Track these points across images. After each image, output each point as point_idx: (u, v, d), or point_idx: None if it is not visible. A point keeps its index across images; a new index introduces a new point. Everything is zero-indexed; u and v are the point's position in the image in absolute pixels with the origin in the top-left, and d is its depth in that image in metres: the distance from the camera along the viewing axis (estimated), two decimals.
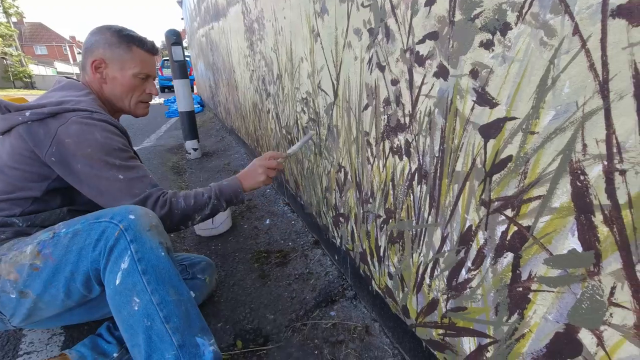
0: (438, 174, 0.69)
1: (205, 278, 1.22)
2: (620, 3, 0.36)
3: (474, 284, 0.65)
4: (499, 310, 0.61)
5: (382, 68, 0.81)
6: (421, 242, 0.79)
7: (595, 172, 0.42)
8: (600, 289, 0.44)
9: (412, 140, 0.75)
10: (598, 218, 0.42)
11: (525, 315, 0.55)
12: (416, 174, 0.76)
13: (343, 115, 1.07)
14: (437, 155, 0.69)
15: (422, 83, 0.69)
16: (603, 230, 0.42)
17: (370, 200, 1.00)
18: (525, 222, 0.52)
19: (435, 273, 0.76)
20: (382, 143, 0.87)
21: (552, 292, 0.50)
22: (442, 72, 0.63)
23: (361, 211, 1.08)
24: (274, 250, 1.61)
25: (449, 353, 0.77)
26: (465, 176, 0.62)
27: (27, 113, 0.85)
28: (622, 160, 0.39)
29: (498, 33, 0.51)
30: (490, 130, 0.55)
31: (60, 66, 40.09)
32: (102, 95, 1.03)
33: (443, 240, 0.72)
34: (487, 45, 0.53)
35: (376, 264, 1.04)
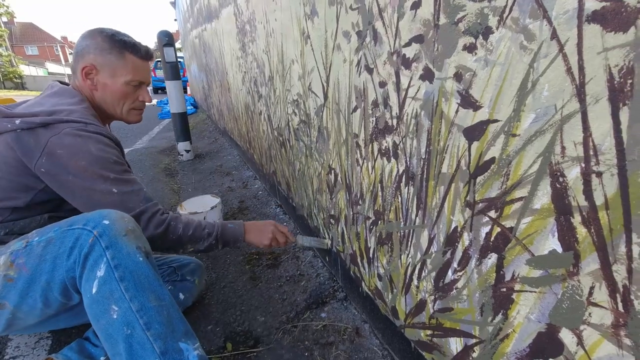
0: (425, 176, 0.70)
1: (195, 280, 1.21)
2: (595, 9, 0.37)
3: (459, 284, 0.66)
4: (484, 310, 0.61)
5: (370, 70, 0.82)
6: (409, 244, 0.80)
7: (573, 174, 0.42)
8: (579, 289, 0.44)
9: (400, 142, 0.76)
10: (577, 219, 0.43)
11: (509, 316, 0.56)
12: (404, 176, 0.77)
13: (333, 117, 1.07)
14: (423, 157, 0.69)
15: (409, 85, 0.69)
16: (581, 231, 0.43)
17: (360, 201, 1.00)
18: (508, 224, 0.53)
19: (423, 274, 0.77)
20: (370, 145, 0.88)
21: (534, 292, 0.51)
22: (427, 75, 0.64)
23: (351, 213, 1.08)
24: (265, 252, 1.60)
25: (436, 354, 0.78)
26: (450, 178, 0.63)
27: (17, 121, 0.82)
28: (598, 162, 0.40)
29: (480, 37, 0.51)
30: (474, 133, 0.56)
31: (52, 67, 39.65)
32: (93, 101, 1.00)
33: (430, 241, 0.72)
34: (470, 48, 0.54)
35: (366, 265, 1.05)
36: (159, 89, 12.98)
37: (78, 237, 0.74)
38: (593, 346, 0.44)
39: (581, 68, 0.39)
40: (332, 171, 1.16)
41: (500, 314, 0.58)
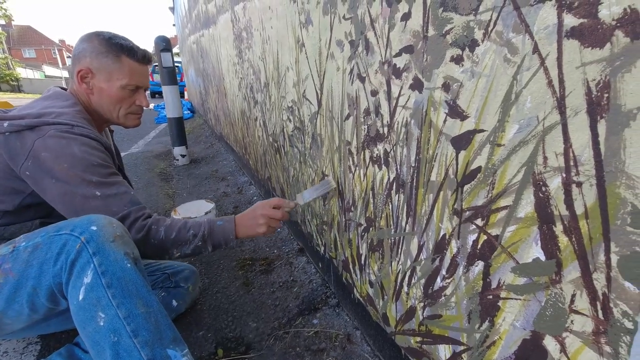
0: (414, 184, 0.71)
1: (189, 286, 1.21)
2: (573, 25, 0.38)
3: (448, 291, 0.67)
4: (472, 317, 0.62)
5: (362, 79, 0.83)
6: (399, 251, 0.80)
7: (555, 184, 0.43)
8: (562, 296, 0.45)
9: (391, 150, 0.77)
10: (559, 228, 0.44)
11: (496, 323, 0.57)
12: (394, 183, 0.78)
13: (326, 124, 1.08)
14: (413, 165, 0.70)
15: (400, 94, 0.71)
16: (563, 240, 0.44)
17: (352, 208, 1.01)
18: (494, 232, 0.54)
19: (413, 281, 0.77)
20: (362, 152, 0.89)
21: (519, 299, 0.52)
22: (417, 85, 0.65)
23: (343, 219, 1.09)
24: (258, 258, 1.60)
25: None
26: (439, 186, 0.64)
27: (5, 124, 0.82)
28: (578, 172, 0.41)
29: (467, 49, 0.53)
30: (461, 142, 0.57)
31: (49, 70, 39.59)
32: (89, 106, 0.99)
33: (420, 248, 0.73)
34: (458, 60, 0.55)
35: (358, 272, 1.05)
36: (156, 94, 12.97)
37: (65, 243, 0.73)
38: (575, 353, 0.45)
39: (561, 81, 0.41)
40: (326, 178, 1.17)
41: (487, 321, 0.58)
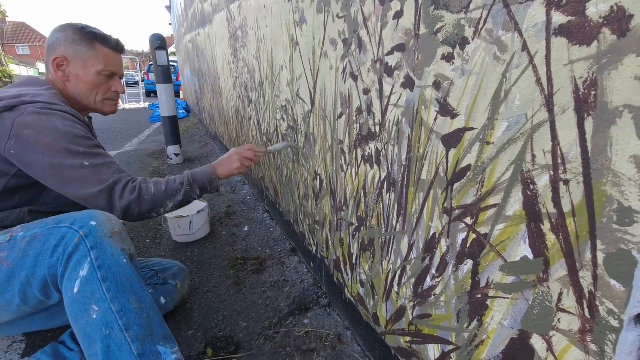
0: (405, 182, 0.71)
1: (177, 284, 1.20)
2: (562, 23, 0.38)
3: (437, 291, 0.67)
4: (460, 317, 0.62)
5: (355, 77, 0.83)
6: (390, 250, 0.80)
7: (543, 182, 0.43)
8: (549, 295, 0.45)
9: (382, 149, 0.77)
10: (546, 226, 0.44)
11: (484, 322, 0.57)
12: (385, 182, 0.77)
13: (319, 124, 1.08)
14: (404, 163, 0.70)
15: (391, 93, 0.71)
16: (551, 238, 0.44)
17: (344, 207, 1.01)
18: (483, 230, 0.54)
19: (403, 280, 0.77)
20: (355, 151, 0.89)
21: (508, 298, 0.51)
22: (408, 83, 0.65)
23: (335, 219, 1.08)
24: (250, 258, 1.59)
25: None
26: (429, 184, 0.64)
27: None
28: (566, 170, 0.41)
29: (457, 47, 0.53)
30: (451, 140, 0.57)
31: (43, 67, 39.21)
32: (66, 93, 1.01)
33: (410, 247, 0.73)
34: (448, 58, 0.55)
35: (349, 271, 1.05)
36: (151, 92, 12.88)
37: (64, 236, 0.75)
38: (562, 352, 0.45)
39: (550, 79, 0.41)
40: (318, 177, 1.16)
41: (476, 320, 0.58)
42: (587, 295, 0.41)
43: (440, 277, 0.65)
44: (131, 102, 10.16)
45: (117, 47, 1.04)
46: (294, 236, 1.58)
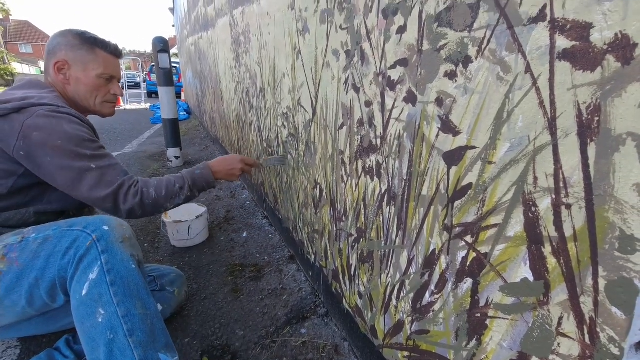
0: (405, 197, 0.70)
1: (174, 290, 1.19)
2: (565, 47, 0.38)
3: (436, 307, 0.66)
4: (459, 335, 0.61)
5: (357, 89, 0.83)
6: (389, 263, 0.80)
7: (545, 205, 0.43)
8: (549, 318, 0.45)
9: (383, 161, 0.76)
10: (547, 249, 0.44)
11: (483, 342, 0.56)
12: (386, 195, 0.77)
13: (320, 133, 1.08)
14: (405, 178, 0.70)
15: (393, 107, 0.70)
16: (552, 262, 0.43)
17: (343, 218, 1.00)
18: (483, 249, 0.53)
19: (402, 295, 0.77)
20: (355, 162, 0.88)
21: (507, 319, 0.51)
22: (410, 98, 0.65)
23: (334, 229, 1.08)
24: (249, 264, 1.59)
25: None
26: (430, 200, 0.64)
27: None
28: (568, 194, 0.40)
29: (460, 65, 0.53)
30: (453, 158, 0.57)
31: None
32: (65, 95, 1.03)
33: (409, 262, 0.72)
34: (451, 75, 0.55)
35: (347, 282, 1.04)
36: (153, 93, 12.90)
37: (76, 239, 0.77)
38: None
39: (552, 102, 0.40)
40: (318, 186, 1.16)
41: (475, 339, 0.58)
42: (588, 321, 0.40)
43: (440, 294, 0.65)
44: (132, 103, 10.17)
45: (115, 52, 1.08)
46: (293, 244, 1.57)
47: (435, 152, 0.60)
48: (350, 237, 0.98)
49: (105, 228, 0.79)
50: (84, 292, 0.74)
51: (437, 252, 0.64)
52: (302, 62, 1.14)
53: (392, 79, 0.70)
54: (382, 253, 0.82)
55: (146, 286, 0.82)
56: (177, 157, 3.25)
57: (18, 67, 28.51)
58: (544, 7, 0.40)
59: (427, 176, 0.63)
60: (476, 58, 0.50)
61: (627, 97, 0.34)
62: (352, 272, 1.00)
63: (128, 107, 9.28)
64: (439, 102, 0.58)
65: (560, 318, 0.43)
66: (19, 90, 0.95)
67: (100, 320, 0.74)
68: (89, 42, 1.00)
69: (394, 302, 0.80)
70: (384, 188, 0.78)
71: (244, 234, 1.88)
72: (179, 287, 1.21)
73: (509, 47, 0.45)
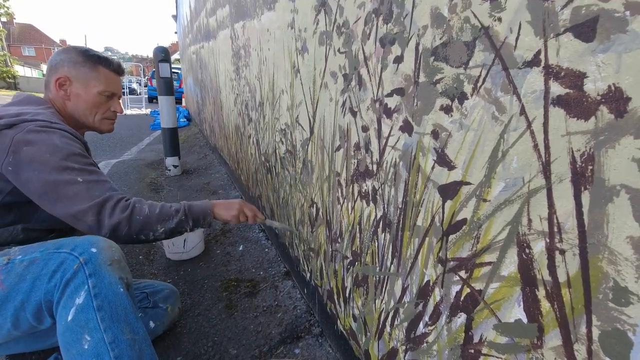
0: (400, 225, 0.70)
1: (168, 307, 1.18)
2: (560, 94, 0.38)
3: (430, 339, 0.65)
4: None
5: (354, 113, 0.83)
6: (384, 289, 0.79)
7: (539, 248, 0.43)
8: None
9: (379, 188, 0.76)
10: (541, 292, 0.43)
11: None
12: (381, 222, 0.77)
13: (317, 152, 1.07)
14: (400, 206, 0.69)
15: (389, 134, 0.70)
16: (545, 305, 0.43)
17: (339, 239, 1.00)
18: (477, 286, 0.53)
19: (396, 322, 0.76)
20: (351, 185, 0.88)
21: (501, 358, 0.50)
22: (407, 127, 0.65)
23: (330, 249, 1.07)
24: (244, 279, 1.57)
25: None
26: (425, 232, 0.63)
27: None
28: (562, 240, 0.40)
29: (456, 100, 0.53)
30: (448, 192, 0.56)
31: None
32: (64, 111, 1.03)
33: (403, 290, 0.72)
34: (447, 109, 0.55)
35: (342, 303, 1.03)
36: (154, 99, 12.93)
37: (63, 262, 0.75)
38: None
39: (547, 147, 0.40)
40: (314, 205, 1.16)
41: None
42: None
43: (433, 326, 0.64)
44: (133, 108, 10.19)
45: (118, 69, 1.08)
46: (289, 259, 1.56)
47: (430, 184, 0.60)
48: (346, 260, 0.97)
49: (94, 250, 0.77)
50: (69, 318, 0.72)
51: (431, 283, 0.63)
52: (300, 81, 1.15)
53: (388, 106, 0.70)
54: (377, 279, 0.81)
55: (135, 310, 0.79)
56: (175, 166, 3.25)
57: (20, 70, 28.63)
58: (539, 52, 0.40)
59: (422, 207, 0.63)
60: (471, 95, 0.50)
61: (621, 149, 0.34)
62: (347, 294, 0.99)
63: (128, 112, 9.30)
64: (435, 134, 0.58)
65: None
66: (14, 106, 0.95)
67: (86, 347, 0.72)
68: (92, 59, 1.01)
69: (387, 328, 0.79)
70: (379, 214, 0.77)
71: (240, 248, 1.87)
72: (172, 303, 1.20)
73: (504, 88, 0.45)
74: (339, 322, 1.07)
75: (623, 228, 0.34)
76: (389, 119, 0.70)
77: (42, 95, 1.05)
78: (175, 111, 3.13)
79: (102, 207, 0.84)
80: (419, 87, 0.60)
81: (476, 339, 0.54)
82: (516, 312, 0.47)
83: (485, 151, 0.49)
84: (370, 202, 0.80)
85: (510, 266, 0.47)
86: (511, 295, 0.47)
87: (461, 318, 0.57)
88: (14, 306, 0.75)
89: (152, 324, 1.13)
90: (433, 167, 0.59)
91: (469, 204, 0.52)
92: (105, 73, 1.04)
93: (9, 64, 25.02)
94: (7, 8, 23.87)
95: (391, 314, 0.77)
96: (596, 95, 0.35)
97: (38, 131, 0.84)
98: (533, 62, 0.41)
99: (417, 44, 0.59)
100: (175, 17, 8.93)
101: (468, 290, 0.54)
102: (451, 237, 0.57)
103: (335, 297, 1.07)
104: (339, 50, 0.87)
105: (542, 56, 0.40)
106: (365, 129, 0.79)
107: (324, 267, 1.14)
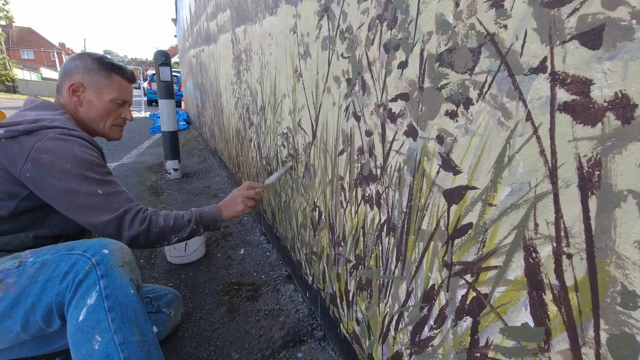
0: (405, 229, 0.70)
1: (171, 312, 1.18)
2: (566, 100, 0.38)
3: (435, 342, 0.65)
4: None
5: (357, 118, 0.83)
6: (388, 293, 0.79)
7: (545, 252, 0.43)
8: None
9: (383, 192, 0.76)
10: (548, 296, 0.44)
11: None
12: (385, 226, 0.77)
13: (320, 156, 1.08)
14: (404, 210, 0.70)
15: (394, 139, 0.71)
16: (552, 309, 0.43)
17: (342, 243, 1.00)
18: (483, 290, 0.53)
19: (400, 326, 0.76)
20: (355, 189, 0.88)
21: None
22: (411, 132, 0.65)
23: (333, 253, 1.07)
24: (245, 283, 1.57)
25: None
26: (429, 235, 0.63)
27: (2, 131, 0.84)
28: (569, 244, 0.40)
29: (462, 106, 0.53)
30: (453, 196, 0.57)
31: (46, 72, 39.40)
32: (76, 117, 1.04)
33: (408, 294, 0.72)
34: (452, 115, 0.55)
35: (345, 307, 1.03)
36: (153, 102, 12.92)
37: (75, 263, 0.76)
38: None
39: (553, 152, 0.41)
40: (317, 209, 1.16)
41: None
42: None
43: (439, 330, 0.64)
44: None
45: (131, 77, 1.11)
46: (290, 263, 1.56)
47: (435, 189, 0.61)
48: (349, 263, 0.97)
49: (105, 251, 0.78)
50: (81, 318, 0.73)
51: (436, 287, 0.63)
52: (302, 85, 1.15)
53: (393, 111, 0.70)
54: (381, 282, 0.82)
55: (144, 312, 0.80)
56: (175, 170, 3.25)
57: (19, 73, 28.62)
58: (545, 59, 0.40)
59: (427, 211, 0.63)
60: (477, 101, 0.50)
61: (628, 155, 0.34)
62: (350, 298, 0.99)
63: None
64: (440, 139, 0.58)
65: None
66: (31, 111, 0.96)
67: (96, 347, 0.72)
68: (106, 67, 1.03)
69: (392, 332, 0.79)
70: (383, 218, 0.78)
71: (241, 251, 1.87)
72: (176, 308, 1.19)
73: (509, 94, 0.45)
74: (341, 325, 1.07)
75: (630, 233, 0.35)
76: (393, 123, 0.70)
77: (52, 100, 1.05)
78: (176, 115, 3.13)
79: (122, 219, 0.89)
80: (423, 92, 0.61)
81: (482, 343, 0.54)
82: (523, 316, 0.47)
83: (491, 156, 0.49)
84: (374, 206, 0.80)
85: (516, 270, 0.47)
86: (518, 299, 0.48)
87: (467, 322, 0.57)
88: (25, 309, 0.75)
89: (155, 329, 1.13)
90: (438, 172, 0.60)
91: (474, 208, 0.53)
92: (119, 81, 1.05)
93: (8, 67, 25.01)
94: (7, 12, 23.90)
95: (395, 317, 0.77)
96: (603, 101, 0.35)
97: (58, 139, 0.86)
98: (539, 69, 0.41)
99: (422, 50, 0.60)
100: (174, 20, 8.96)
101: (474, 293, 0.55)
102: (457, 241, 0.57)
103: (338, 300, 1.07)
104: (342, 55, 0.88)
105: (548, 63, 0.40)
106: (369, 133, 0.79)
107: (326, 271, 1.15)
